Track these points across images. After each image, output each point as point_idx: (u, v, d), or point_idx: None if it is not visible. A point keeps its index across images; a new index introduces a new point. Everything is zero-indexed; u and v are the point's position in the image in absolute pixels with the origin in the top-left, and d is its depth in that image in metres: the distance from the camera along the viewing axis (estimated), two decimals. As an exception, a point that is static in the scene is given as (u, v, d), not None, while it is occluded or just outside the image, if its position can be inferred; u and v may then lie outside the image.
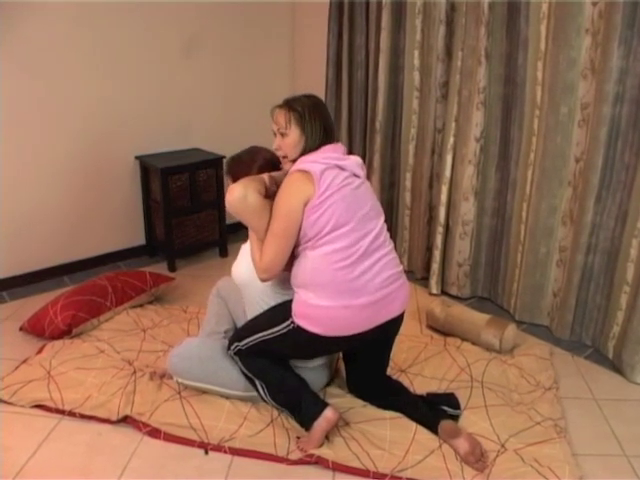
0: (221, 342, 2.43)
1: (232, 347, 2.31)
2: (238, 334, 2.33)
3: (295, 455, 2.14)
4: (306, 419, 2.19)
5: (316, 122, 2.13)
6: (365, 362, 2.39)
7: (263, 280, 2.16)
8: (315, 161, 2.09)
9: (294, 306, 2.14)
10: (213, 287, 2.68)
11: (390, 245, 2.22)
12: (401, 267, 2.24)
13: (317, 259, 2.07)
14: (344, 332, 2.11)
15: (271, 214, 2.10)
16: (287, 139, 2.14)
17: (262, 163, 2.28)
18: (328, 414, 2.15)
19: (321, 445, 2.16)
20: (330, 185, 2.05)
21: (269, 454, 2.15)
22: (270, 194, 2.14)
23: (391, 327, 2.25)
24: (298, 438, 2.21)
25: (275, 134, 2.19)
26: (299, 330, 2.11)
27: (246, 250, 2.34)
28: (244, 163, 2.29)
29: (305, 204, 2.04)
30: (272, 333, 2.19)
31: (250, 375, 2.30)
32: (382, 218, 2.22)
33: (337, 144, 2.21)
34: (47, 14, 3.23)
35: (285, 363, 2.31)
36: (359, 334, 2.13)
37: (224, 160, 3.87)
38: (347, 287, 2.07)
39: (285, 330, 2.16)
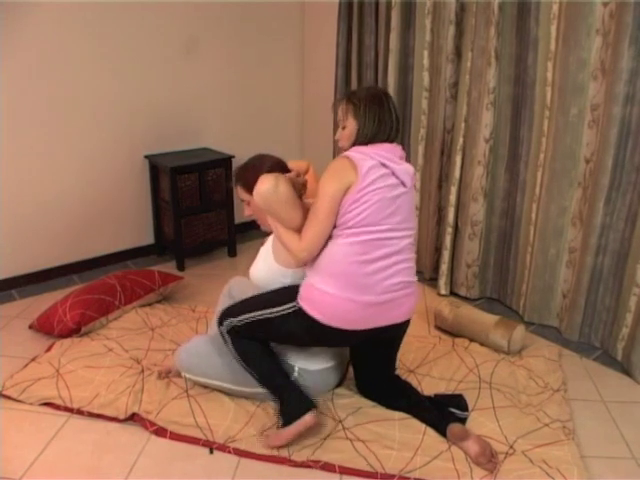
0: None
1: (226, 322, 2.26)
2: (234, 309, 2.28)
3: (298, 457, 2.13)
4: (287, 417, 2.17)
5: (370, 114, 2.13)
6: (372, 362, 2.39)
7: (302, 260, 2.16)
8: (365, 154, 2.09)
9: (302, 289, 2.16)
10: (225, 285, 2.67)
11: (410, 256, 2.21)
12: (415, 279, 2.24)
13: (335, 248, 2.10)
14: (343, 325, 2.11)
15: (298, 205, 2.15)
16: (345, 131, 2.20)
17: (271, 165, 2.28)
18: (307, 418, 2.14)
19: (289, 444, 2.15)
20: (372, 182, 2.05)
21: (271, 455, 2.14)
22: (296, 189, 2.20)
23: (394, 331, 2.26)
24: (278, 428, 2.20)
25: (338, 127, 2.24)
26: (300, 313, 2.12)
27: (264, 252, 2.36)
28: (255, 167, 2.29)
29: (345, 192, 2.06)
30: (273, 313, 2.18)
31: (238, 358, 2.27)
32: (411, 232, 2.21)
33: (395, 145, 2.19)
34: (55, 14, 3.25)
35: (275, 357, 2.31)
36: (357, 331, 2.13)
37: (232, 160, 3.88)
38: (355, 282, 2.07)
39: (287, 311, 2.16)
